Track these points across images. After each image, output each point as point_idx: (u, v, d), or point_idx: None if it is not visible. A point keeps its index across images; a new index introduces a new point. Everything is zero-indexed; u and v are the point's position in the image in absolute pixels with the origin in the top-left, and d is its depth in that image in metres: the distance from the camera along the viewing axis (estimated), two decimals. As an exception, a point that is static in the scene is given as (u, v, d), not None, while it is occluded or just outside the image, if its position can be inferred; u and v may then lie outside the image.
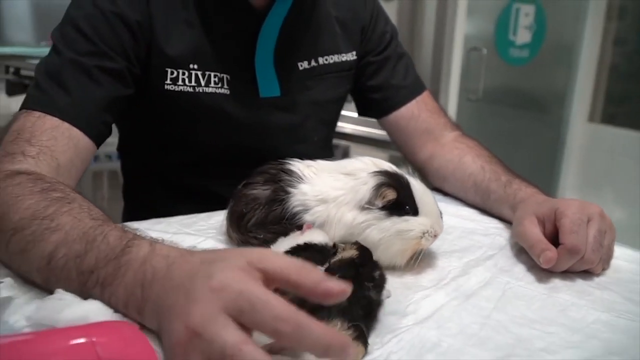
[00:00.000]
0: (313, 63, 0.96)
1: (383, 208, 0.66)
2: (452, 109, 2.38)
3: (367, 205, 0.66)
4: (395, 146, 1.10)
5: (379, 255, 0.66)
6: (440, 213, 0.71)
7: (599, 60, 2.66)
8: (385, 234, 0.66)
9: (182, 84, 0.87)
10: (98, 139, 0.81)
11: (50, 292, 0.54)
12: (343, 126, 2.32)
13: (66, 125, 0.76)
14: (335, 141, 2.26)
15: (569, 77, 2.69)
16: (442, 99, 2.37)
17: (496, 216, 0.89)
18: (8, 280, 0.58)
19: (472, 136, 1.03)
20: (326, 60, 0.98)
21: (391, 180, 0.67)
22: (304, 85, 0.97)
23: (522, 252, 0.75)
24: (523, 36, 2.49)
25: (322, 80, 0.99)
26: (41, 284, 0.58)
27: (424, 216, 0.67)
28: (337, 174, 0.71)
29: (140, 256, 0.51)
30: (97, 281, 0.52)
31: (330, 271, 0.58)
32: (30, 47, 2.70)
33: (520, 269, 0.71)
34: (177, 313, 0.43)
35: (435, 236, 0.68)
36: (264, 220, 0.70)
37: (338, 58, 0.99)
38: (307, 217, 0.68)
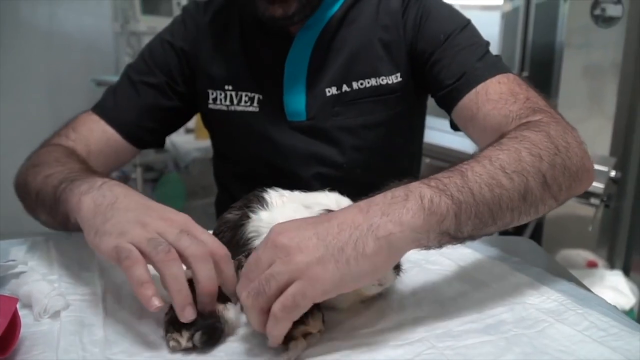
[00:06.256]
0: (345, 88, 0.95)
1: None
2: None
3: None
4: None
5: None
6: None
7: None
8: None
9: (219, 103, 1.01)
10: (133, 139, 1.00)
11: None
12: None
13: (103, 122, 0.98)
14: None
15: None
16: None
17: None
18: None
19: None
20: (361, 84, 0.95)
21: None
22: (331, 111, 0.96)
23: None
24: None
25: (354, 105, 0.96)
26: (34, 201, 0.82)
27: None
28: (300, 205, 0.70)
29: (98, 179, 0.70)
30: (62, 190, 0.71)
31: None
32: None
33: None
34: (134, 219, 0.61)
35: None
36: (229, 243, 0.71)
37: (376, 81, 0.95)
38: (257, 243, 0.68)
